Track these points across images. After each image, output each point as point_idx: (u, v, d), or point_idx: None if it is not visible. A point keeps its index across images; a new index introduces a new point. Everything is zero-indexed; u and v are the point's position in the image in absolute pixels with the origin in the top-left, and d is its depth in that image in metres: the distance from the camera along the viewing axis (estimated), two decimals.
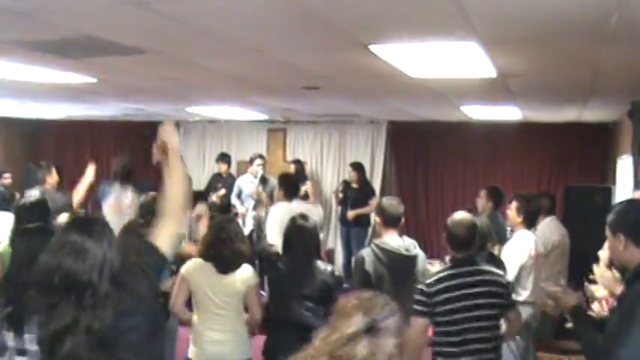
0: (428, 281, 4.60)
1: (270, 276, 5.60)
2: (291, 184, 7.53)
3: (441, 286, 4.53)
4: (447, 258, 5.08)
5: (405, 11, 4.14)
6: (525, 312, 6.42)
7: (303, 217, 5.58)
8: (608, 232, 3.57)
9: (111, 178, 8.15)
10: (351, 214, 11.46)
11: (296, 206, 7.29)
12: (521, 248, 6.39)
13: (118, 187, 8.00)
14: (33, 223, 5.30)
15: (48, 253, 2.98)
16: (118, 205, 7.79)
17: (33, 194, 7.34)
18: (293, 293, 5.19)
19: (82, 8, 4.28)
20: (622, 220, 3.52)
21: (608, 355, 3.23)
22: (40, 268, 2.97)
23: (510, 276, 6.12)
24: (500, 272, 4.88)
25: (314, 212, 7.38)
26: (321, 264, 5.43)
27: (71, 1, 4.11)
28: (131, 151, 15.15)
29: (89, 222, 3.23)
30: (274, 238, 7.31)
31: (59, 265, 2.92)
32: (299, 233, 5.41)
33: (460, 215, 4.84)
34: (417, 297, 4.55)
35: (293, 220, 5.54)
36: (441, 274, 4.63)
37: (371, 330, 2.41)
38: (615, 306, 3.59)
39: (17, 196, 9.26)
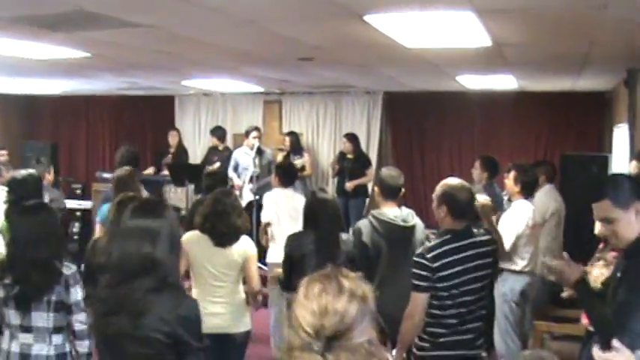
0: (429, 255, 4.36)
1: (296, 256, 5.36)
2: (289, 174, 7.58)
3: (445, 260, 4.36)
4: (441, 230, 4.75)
5: None
6: (522, 281, 6.47)
7: (323, 189, 5.57)
8: (615, 212, 3.32)
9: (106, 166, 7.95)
10: (349, 185, 11.46)
11: (291, 193, 7.33)
12: (519, 218, 6.41)
13: None
14: (27, 197, 5.30)
15: (122, 239, 3.30)
16: None
17: None
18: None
19: None
20: (632, 189, 3.35)
21: (620, 329, 3.13)
22: (116, 254, 3.28)
23: (507, 245, 6.14)
24: (488, 236, 4.74)
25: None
26: (343, 235, 5.44)
27: None
28: (128, 125, 15.23)
29: (155, 204, 3.54)
30: (268, 217, 7.31)
31: (137, 250, 3.21)
32: (322, 206, 5.39)
33: (456, 180, 4.67)
34: (419, 272, 4.36)
35: (313, 194, 5.54)
36: (444, 248, 4.41)
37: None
38: (616, 278, 3.46)
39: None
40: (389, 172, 5.66)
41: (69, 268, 4.21)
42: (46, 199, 7.09)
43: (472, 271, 4.46)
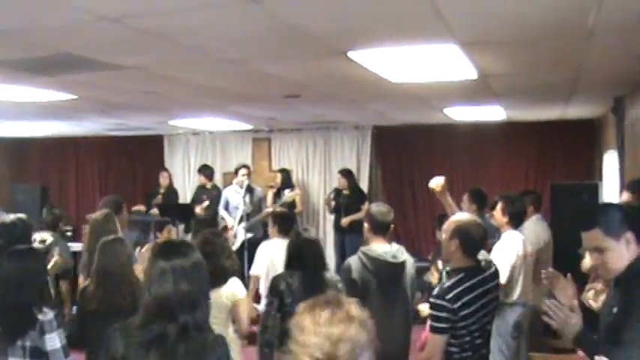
0: (448, 297, 4.26)
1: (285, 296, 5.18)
2: (287, 222, 7.37)
3: (465, 299, 4.29)
4: (448, 266, 4.74)
5: (382, 17, 4.12)
6: (516, 312, 6.41)
7: (306, 229, 5.49)
8: (606, 242, 3.19)
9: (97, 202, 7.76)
10: (344, 221, 11.42)
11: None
12: (510, 249, 6.37)
13: None
14: (15, 242, 5.26)
15: (157, 281, 3.09)
16: None
17: (43, 237, 7.19)
18: None
19: (58, 26, 4.25)
20: (624, 219, 3.22)
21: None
22: (155, 296, 3.08)
23: (503, 278, 6.10)
24: (493, 269, 4.72)
25: None
26: (329, 275, 5.37)
27: (47, 19, 4.08)
28: (117, 166, 15.20)
29: (181, 245, 3.38)
30: (258, 270, 7.09)
31: (176, 291, 3.06)
32: (308, 246, 5.30)
33: (465, 216, 4.65)
34: (439, 314, 4.28)
35: (297, 234, 5.43)
36: (461, 287, 4.32)
37: None
38: (612, 312, 3.29)
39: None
40: (378, 208, 5.62)
41: (45, 315, 4.13)
42: (55, 253, 6.95)
43: (485, 306, 4.46)
